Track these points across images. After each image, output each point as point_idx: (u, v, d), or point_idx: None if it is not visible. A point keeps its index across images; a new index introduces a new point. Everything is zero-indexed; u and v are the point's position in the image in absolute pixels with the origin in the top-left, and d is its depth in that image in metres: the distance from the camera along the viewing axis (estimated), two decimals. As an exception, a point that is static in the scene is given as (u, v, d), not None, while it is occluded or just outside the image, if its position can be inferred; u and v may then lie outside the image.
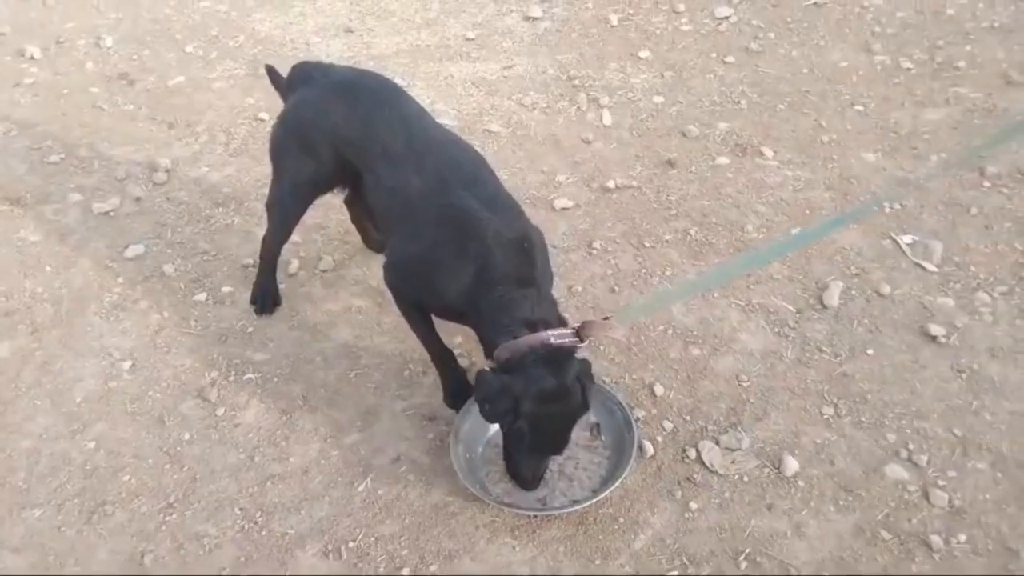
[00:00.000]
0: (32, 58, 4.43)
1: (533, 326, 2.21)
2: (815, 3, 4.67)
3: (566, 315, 2.41)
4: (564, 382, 2.18)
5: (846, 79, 4.09)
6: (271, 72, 2.99)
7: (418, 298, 2.51)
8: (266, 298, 2.97)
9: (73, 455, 2.50)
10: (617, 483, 2.31)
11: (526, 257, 2.32)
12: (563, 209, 3.38)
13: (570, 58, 4.37)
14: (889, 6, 4.57)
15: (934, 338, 2.78)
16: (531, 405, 2.15)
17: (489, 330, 2.29)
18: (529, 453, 2.27)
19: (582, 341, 2.24)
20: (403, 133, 2.49)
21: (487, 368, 2.27)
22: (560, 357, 2.20)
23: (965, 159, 3.40)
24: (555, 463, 2.41)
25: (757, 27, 4.53)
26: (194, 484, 2.42)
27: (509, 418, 2.18)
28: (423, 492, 2.39)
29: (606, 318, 2.36)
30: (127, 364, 2.77)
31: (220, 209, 3.43)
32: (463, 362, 2.69)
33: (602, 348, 2.78)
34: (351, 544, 2.26)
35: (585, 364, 2.27)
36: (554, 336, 2.20)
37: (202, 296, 3.02)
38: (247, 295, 3.00)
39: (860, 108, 3.89)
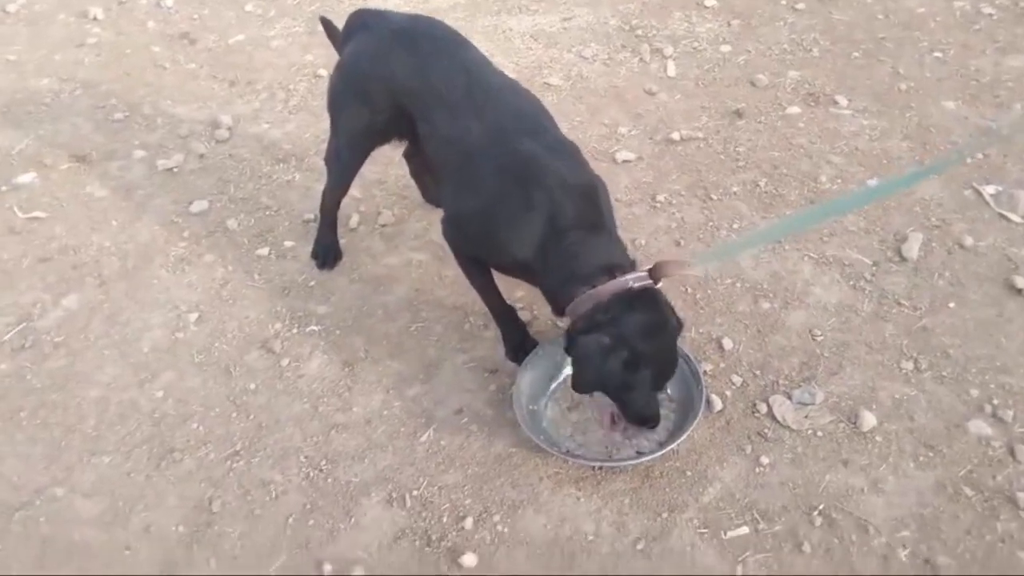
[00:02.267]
0: (95, 19, 4.47)
1: (611, 272, 2.16)
2: (890, -53, 4.46)
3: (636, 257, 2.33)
4: (662, 313, 2.15)
5: (924, 25, 3.90)
6: (326, 24, 2.95)
7: (479, 252, 2.46)
8: (327, 252, 2.96)
9: (142, 403, 2.53)
10: (684, 436, 2.25)
11: (594, 204, 2.25)
12: (625, 162, 3.30)
13: (632, 8, 4.24)
14: (970, -52, 4.33)
15: (1019, 291, 2.65)
16: (648, 349, 2.10)
17: (559, 282, 2.22)
18: (653, 391, 2.20)
19: (656, 282, 2.18)
20: (463, 81, 2.42)
21: (568, 330, 2.20)
22: (645, 298, 2.15)
23: None
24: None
25: (829, -27, 4.34)
26: (260, 432, 2.43)
27: (631, 370, 2.10)
28: (486, 443, 2.37)
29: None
30: (193, 316, 2.79)
31: (281, 165, 3.42)
32: (524, 316, 2.65)
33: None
34: (415, 493, 2.25)
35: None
36: (632, 279, 2.14)
37: (265, 250, 3.03)
38: (308, 249, 2.99)
39: (939, 55, 3.71)
